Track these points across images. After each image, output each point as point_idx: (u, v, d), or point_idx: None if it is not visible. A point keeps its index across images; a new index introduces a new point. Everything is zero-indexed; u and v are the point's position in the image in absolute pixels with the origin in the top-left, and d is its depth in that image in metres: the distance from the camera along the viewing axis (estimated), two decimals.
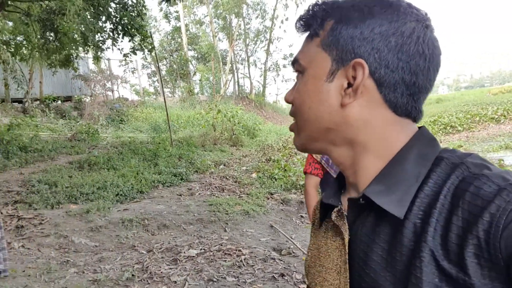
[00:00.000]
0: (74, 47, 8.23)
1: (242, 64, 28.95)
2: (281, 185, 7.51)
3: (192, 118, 15.42)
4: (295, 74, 0.67)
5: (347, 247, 0.61)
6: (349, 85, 0.59)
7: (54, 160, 7.99)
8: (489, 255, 0.46)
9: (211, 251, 4.45)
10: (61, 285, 3.63)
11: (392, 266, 0.54)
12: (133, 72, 19.76)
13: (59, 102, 15.90)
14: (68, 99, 16.35)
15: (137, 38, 8.12)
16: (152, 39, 8.93)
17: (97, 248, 4.58)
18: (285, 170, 8.85)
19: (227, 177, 8.12)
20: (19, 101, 14.31)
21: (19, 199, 5.50)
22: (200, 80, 25.63)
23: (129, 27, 7.84)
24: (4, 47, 8.36)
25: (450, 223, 0.49)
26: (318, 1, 0.64)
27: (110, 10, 7.56)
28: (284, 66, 30.72)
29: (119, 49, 8.31)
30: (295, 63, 0.66)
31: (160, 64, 26.03)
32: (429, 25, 0.60)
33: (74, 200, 5.74)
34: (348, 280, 0.61)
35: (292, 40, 28.81)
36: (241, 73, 28.71)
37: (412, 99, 0.60)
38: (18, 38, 9.04)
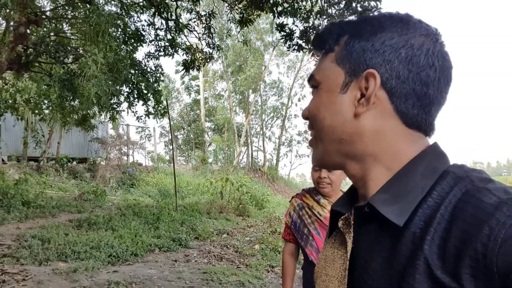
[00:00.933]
0: (89, 108, 8.52)
1: (256, 137, 29.48)
2: None
3: (201, 186, 15.36)
4: (311, 90, 0.70)
5: (349, 254, 0.62)
6: (362, 96, 0.62)
7: (55, 217, 7.90)
8: (485, 269, 0.45)
9: None
10: None
11: (388, 273, 0.54)
12: (148, 139, 20.22)
13: (74, 163, 16.20)
14: (83, 160, 16.66)
15: (151, 103, 8.39)
16: (167, 104, 9.21)
17: None
18: None
19: (228, 246, 7.82)
20: (35, 159, 14.64)
21: (8, 253, 5.35)
22: (214, 150, 26.02)
23: (145, 91, 8.15)
24: (25, 104, 8.74)
25: (450, 233, 0.49)
26: (335, 20, 0.68)
27: (128, 75, 7.92)
28: (299, 142, 31.12)
29: (133, 111, 8.58)
30: (311, 79, 0.69)
31: (177, 133, 26.74)
32: (438, 39, 0.62)
33: (64, 258, 5.54)
34: (346, 287, 0.61)
35: None
36: (255, 146, 29.13)
37: (423, 111, 0.61)
38: (40, 98, 9.46)
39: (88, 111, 8.83)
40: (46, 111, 10.25)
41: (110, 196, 12.06)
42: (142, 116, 8.75)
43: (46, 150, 14.60)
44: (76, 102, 8.44)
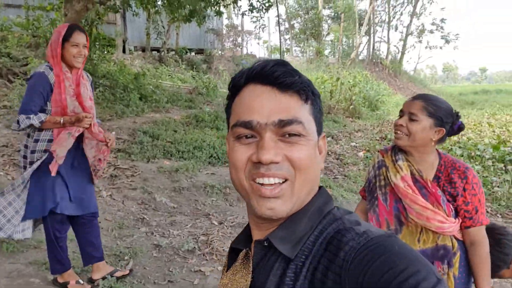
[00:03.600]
0: (195, 4, 8.30)
1: (381, 26, 26.65)
2: None
3: (315, 81, 14.85)
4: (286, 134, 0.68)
5: (247, 282, 0.69)
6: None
7: (168, 112, 8.43)
8: (340, 286, 0.56)
9: None
10: (126, 243, 3.75)
11: None
12: (263, 29, 19.74)
13: (193, 53, 16.84)
14: (200, 51, 17.20)
15: None
16: None
17: (174, 210, 4.65)
18: None
19: (329, 153, 7.58)
20: (157, 50, 15.53)
21: (122, 148, 5.89)
22: (331, 41, 24.50)
23: None
24: None
25: (319, 264, 0.61)
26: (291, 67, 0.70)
27: None
28: (431, 32, 27.35)
29: (238, 7, 8.18)
30: (295, 124, 0.66)
31: (294, 21, 25.56)
32: None
33: (169, 156, 5.93)
34: None
35: (444, 3, 25.30)
36: (377, 36, 26.57)
37: None
38: None
39: (195, 7, 8.62)
40: (159, 3, 10.33)
41: (222, 90, 12.40)
42: (246, 11, 8.30)
43: (166, 41, 15.29)
44: None
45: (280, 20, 26.21)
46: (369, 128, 10.15)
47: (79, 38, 2.52)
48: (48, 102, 2.54)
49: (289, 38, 25.88)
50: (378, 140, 9.15)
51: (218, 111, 8.81)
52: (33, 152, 2.55)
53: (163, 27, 14.93)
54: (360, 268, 0.55)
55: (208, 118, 7.96)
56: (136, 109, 7.81)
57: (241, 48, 18.30)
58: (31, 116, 2.44)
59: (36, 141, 2.55)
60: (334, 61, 21.21)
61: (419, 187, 1.65)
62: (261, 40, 20.06)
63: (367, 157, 7.58)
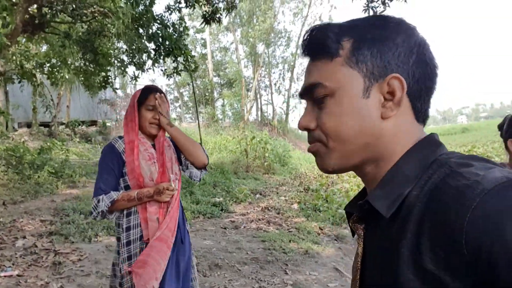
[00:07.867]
0: (113, 69, 7.92)
1: (265, 90, 28.75)
2: (329, 218, 6.89)
3: (218, 144, 14.98)
4: (310, 100, 0.67)
5: (360, 251, 0.65)
6: (385, 99, 0.61)
7: (85, 187, 7.53)
8: (458, 253, 0.46)
9: None
10: None
11: (382, 265, 0.58)
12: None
13: (84, 126, 15.72)
14: (93, 123, 16.20)
15: (180, 59, 7.80)
16: (194, 60, 8.59)
17: None
18: (327, 201, 8.25)
19: (269, 208, 7.53)
20: (46, 125, 14.14)
21: (54, 230, 4.99)
22: (222, 106, 25.42)
23: (173, 47, 7.55)
24: (38, 70, 8.10)
25: (424, 221, 0.51)
26: (320, 24, 0.65)
27: (152, 31, 7.32)
28: None
29: (162, 70, 8.07)
30: (315, 88, 0.64)
31: (183, 90, 26.02)
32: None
33: (113, 232, 5.20)
34: (358, 280, 0.65)
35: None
36: (264, 100, 28.50)
37: (428, 104, 0.65)
38: (53, 61, 8.76)
39: (109, 73, 8.24)
40: (64, 75, 9.55)
41: None
42: (172, 74, 8.22)
43: (56, 115, 14.05)
44: (95, 64, 7.82)
45: (169, 89, 26.48)
46: (290, 182, 10.47)
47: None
48: (126, 177, 2.05)
49: (179, 105, 26.08)
50: (302, 191, 9.46)
51: None
52: (128, 243, 2.00)
53: (52, 100, 13.79)
54: (477, 241, 0.45)
55: None
56: (50, 187, 6.80)
57: None
58: (101, 197, 1.95)
59: (128, 229, 2.02)
60: (227, 124, 21.90)
61: None
62: None
63: (302, 209, 7.70)
